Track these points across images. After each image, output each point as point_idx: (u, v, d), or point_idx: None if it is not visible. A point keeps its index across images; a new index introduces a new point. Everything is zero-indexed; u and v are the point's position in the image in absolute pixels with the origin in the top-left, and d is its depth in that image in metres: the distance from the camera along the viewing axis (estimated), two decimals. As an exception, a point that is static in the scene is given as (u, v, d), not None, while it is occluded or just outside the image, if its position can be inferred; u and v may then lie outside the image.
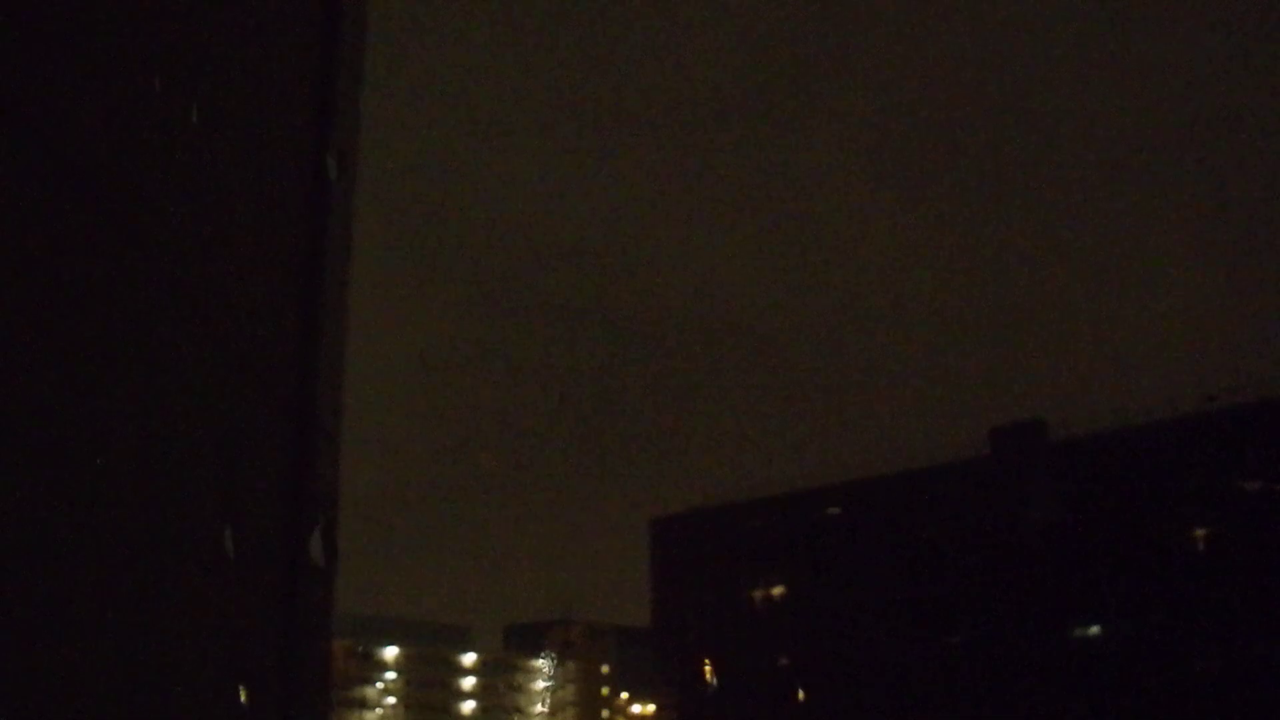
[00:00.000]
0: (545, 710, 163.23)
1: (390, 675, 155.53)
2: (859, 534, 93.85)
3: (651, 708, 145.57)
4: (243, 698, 6.35)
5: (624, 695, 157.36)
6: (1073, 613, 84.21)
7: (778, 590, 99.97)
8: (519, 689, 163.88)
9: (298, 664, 6.99)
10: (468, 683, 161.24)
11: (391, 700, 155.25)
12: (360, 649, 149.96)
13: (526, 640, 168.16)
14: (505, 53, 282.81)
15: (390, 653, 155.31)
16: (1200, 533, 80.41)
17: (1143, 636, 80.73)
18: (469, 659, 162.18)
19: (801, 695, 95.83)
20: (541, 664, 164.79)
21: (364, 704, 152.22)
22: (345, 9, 7.98)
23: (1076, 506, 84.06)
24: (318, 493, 7.32)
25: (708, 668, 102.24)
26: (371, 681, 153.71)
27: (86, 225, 5.00)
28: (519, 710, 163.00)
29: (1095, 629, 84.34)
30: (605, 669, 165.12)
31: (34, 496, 4.55)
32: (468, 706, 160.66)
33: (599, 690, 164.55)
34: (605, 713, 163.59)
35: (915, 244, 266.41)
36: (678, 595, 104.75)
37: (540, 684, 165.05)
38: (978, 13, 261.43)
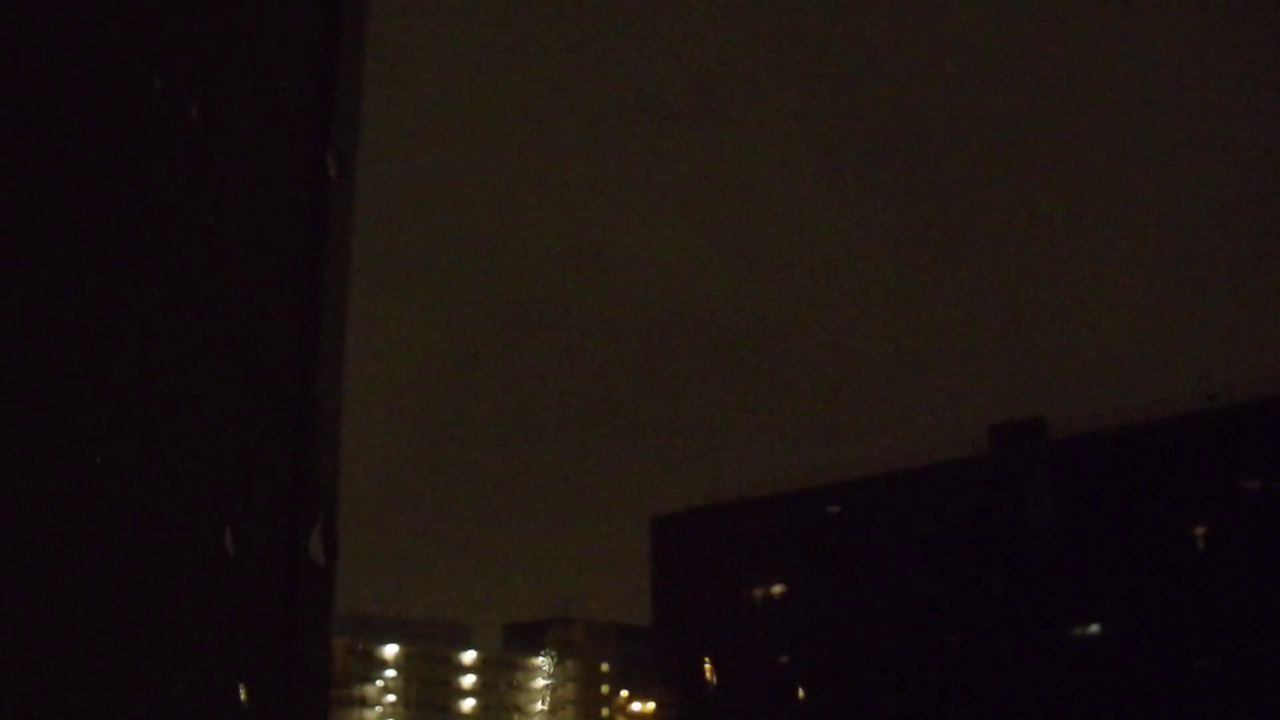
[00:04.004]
0: (545, 708, 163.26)
1: (390, 673, 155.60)
2: (859, 532, 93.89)
3: (651, 706, 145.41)
4: (242, 695, 6.39)
5: (624, 693, 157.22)
6: (1072, 611, 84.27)
7: (778, 589, 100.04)
8: (519, 687, 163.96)
9: (298, 662, 7.03)
10: (467, 681, 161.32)
11: (391, 698, 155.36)
12: (360, 647, 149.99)
13: (526, 638, 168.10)
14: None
15: (390, 651, 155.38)
16: (1200, 531, 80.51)
17: (1142, 635, 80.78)
18: (469, 657, 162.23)
19: (801, 693, 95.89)
20: (541, 662, 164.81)
21: (364, 702, 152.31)
22: (346, 9, 8.03)
23: (1076, 505, 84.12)
24: (318, 491, 7.35)
25: (708, 666, 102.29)
26: (371, 679, 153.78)
27: (84, 225, 5.03)
28: (519, 708, 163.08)
29: (1094, 628, 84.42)
30: (605, 667, 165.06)
31: (33, 494, 4.58)
32: (467, 704, 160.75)
33: (599, 688, 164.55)
34: (605, 711, 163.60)
35: (916, 242, 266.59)
36: (678, 594, 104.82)
37: (540, 682, 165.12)
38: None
